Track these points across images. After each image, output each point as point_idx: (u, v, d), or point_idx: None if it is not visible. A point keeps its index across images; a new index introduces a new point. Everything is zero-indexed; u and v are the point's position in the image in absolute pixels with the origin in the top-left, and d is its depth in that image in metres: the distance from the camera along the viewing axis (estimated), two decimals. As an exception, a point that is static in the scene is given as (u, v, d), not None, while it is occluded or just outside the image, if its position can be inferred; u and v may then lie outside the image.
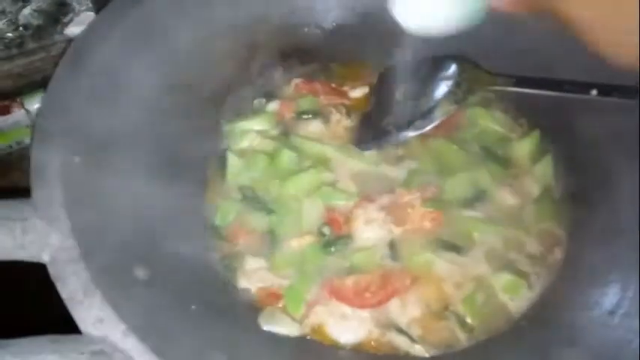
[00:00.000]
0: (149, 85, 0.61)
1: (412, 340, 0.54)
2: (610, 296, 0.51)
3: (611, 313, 0.50)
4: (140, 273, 0.47)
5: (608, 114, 0.60)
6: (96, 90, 0.55)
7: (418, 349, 0.54)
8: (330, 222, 0.62)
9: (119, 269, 0.46)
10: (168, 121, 0.63)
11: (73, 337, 0.40)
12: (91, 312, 0.41)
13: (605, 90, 0.58)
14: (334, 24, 0.76)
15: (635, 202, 0.55)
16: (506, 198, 0.63)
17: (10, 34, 0.78)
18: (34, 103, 0.76)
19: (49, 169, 0.48)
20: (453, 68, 0.67)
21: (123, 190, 0.52)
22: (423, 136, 0.66)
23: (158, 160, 0.58)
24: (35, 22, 0.78)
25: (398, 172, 0.65)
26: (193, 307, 0.49)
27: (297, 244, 0.60)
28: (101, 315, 0.41)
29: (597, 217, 0.59)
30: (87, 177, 0.49)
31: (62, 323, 0.41)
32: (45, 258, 0.43)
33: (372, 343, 0.55)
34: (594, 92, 0.58)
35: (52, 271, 0.43)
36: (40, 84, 0.77)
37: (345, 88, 0.74)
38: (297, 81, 0.74)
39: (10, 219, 0.44)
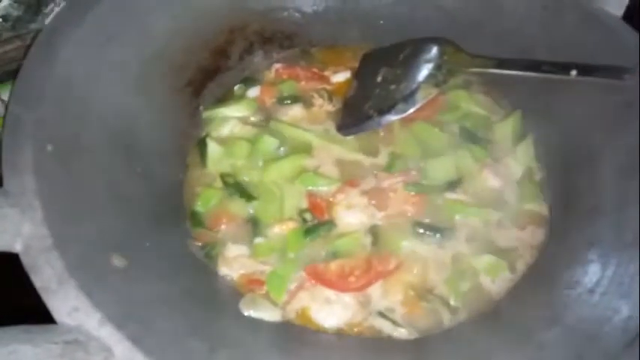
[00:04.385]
0: (124, 72, 0.60)
1: (395, 323, 0.54)
2: (590, 275, 0.51)
3: (591, 291, 0.50)
4: (117, 261, 0.46)
5: (588, 94, 0.60)
6: (68, 77, 0.53)
7: (401, 332, 0.54)
8: (312, 207, 0.61)
9: (95, 258, 0.45)
10: (145, 108, 0.62)
11: (46, 326, 0.39)
12: (66, 301, 0.40)
13: (585, 70, 0.58)
14: (314, 7, 0.75)
15: (615, 182, 0.56)
16: (489, 180, 0.63)
17: (-12, 26, 0.76)
18: (8, 93, 0.74)
19: (22, 157, 0.47)
20: (434, 51, 0.66)
21: (98, 177, 0.51)
22: (405, 120, 0.66)
23: (135, 148, 0.57)
24: (15, 12, 0.76)
25: (380, 157, 0.65)
26: (173, 293, 0.48)
27: (279, 230, 0.60)
28: (76, 304, 0.40)
29: (579, 197, 0.59)
30: (60, 165, 0.48)
31: (37, 314, 0.40)
32: (17, 247, 0.42)
33: (355, 327, 0.54)
34: (574, 73, 0.58)
35: (25, 261, 0.42)
36: (15, 73, 0.75)
37: (327, 73, 0.74)
38: (277, 66, 0.73)
39: (-20, 209, 0.43)
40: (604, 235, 0.53)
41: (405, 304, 0.55)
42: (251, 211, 0.61)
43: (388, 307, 0.55)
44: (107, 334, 0.40)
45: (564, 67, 0.58)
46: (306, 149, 0.66)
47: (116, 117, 0.57)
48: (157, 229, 0.54)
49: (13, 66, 0.79)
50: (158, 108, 0.63)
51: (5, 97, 0.75)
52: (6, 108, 0.74)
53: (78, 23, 0.57)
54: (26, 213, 0.44)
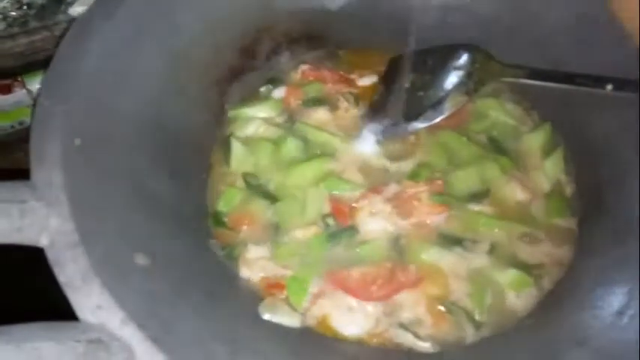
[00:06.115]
0: (152, 69, 0.60)
1: (416, 335, 0.53)
2: (619, 296, 0.50)
3: (620, 313, 0.49)
4: (140, 260, 0.46)
5: (621, 108, 0.59)
6: (98, 71, 0.53)
7: (422, 345, 0.53)
8: (335, 213, 0.60)
9: (119, 255, 0.45)
10: (171, 106, 0.61)
11: (69, 324, 0.39)
12: (90, 299, 0.40)
13: (621, 84, 0.56)
14: (343, 9, 0.75)
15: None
16: (516, 193, 0.62)
17: (13, 13, 0.77)
18: (35, 83, 0.75)
19: (49, 151, 0.46)
20: (464, 58, 0.65)
21: (124, 174, 0.51)
22: (432, 128, 0.65)
23: (161, 145, 0.57)
24: (40, 0, 0.77)
25: (405, 164, 0.64)
26: (194, 294, 0.48)
27: (301, 234, 0.59)
28: (99, 302, 0.40)
29: (609, 214, 0.57)
30: (87, 160, 0.48)
31: (58, 309, 0.40)
32: (43, 242, 0.42)
33: (376, 337, 0.54)
34: (609, 87, 0.56)
35: (51, 256, 0.41)
36: (42, 64, 0.75)
37: (353, 76, 0.73)
38: (304, 67, 0.73)
39: (7, 201, 0.42)
40: (634, 255, 0.52)
41: (428, 316, 0.54)
42: (273, 214, 0.61)
43: (410, 318, 0.54)
44: (129, 333, 0.39)
45: (599, 81, 0.57)
46: (330, 153, 0.65)
47: (143, 113, 0.57)
48: (179, 228, 0.54)
49: (40, 56, 0.79)
50: (185, 105, 0.63)
51: (32, 87, 0.75)
52: (34, 99, 0.75)
53: (109, 17, 0.56)
54: (53, 207, 0.43)
